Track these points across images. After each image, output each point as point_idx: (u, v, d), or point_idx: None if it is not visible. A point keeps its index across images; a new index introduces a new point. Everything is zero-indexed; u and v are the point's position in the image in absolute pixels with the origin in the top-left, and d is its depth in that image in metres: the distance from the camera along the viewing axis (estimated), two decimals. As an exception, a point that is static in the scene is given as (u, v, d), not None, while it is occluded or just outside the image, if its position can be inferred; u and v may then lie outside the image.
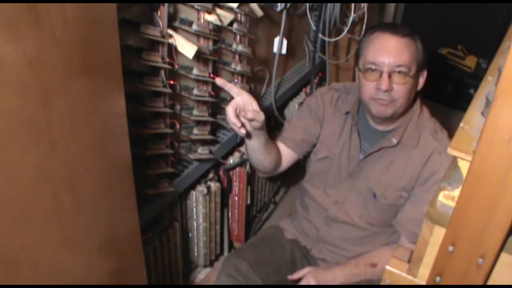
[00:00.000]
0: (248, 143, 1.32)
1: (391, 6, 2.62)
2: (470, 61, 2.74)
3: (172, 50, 1.16)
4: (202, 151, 1.40)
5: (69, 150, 0.73)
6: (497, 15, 2.58)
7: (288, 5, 1.55)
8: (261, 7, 1.44)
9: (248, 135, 1.26)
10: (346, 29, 1.85)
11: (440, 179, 0.99)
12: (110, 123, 0.82)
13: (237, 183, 1.64)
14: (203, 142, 1.42)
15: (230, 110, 1.18)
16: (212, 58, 1.31)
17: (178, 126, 1.28)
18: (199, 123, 1.37)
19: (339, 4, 1.86)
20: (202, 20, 1.23)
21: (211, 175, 1.54)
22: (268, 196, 1.99)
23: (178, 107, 1.27)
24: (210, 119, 1.39)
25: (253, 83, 1.63)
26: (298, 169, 1.57)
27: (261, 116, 1.20)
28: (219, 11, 1.27)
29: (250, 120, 1.20)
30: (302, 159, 1.48)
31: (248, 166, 1.65)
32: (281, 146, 1.43)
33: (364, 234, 1.37)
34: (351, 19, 1.82)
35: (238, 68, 1.43)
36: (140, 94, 1.16)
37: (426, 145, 1.26)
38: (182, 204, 1.51)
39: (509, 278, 0.69)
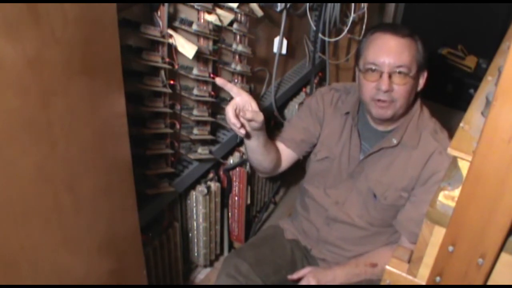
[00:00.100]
0: (247, 143, 1.32)
1: (391, 6, 2.62)
2: (470, 61, 2.74)
3: (172, 50, 1.16)
4: (202, 151, 1.40)
5: (69, 150, 0.73)
6: (497, 15, 2.58)
7: (288, 5, 1.55)
8: (261, 7, 1.44)
9: (248, 135, 1.26)
10: (346, 29, 1.85)
11: (440, 179, 0.99)
12: (110, 123, 0.82)
13: (237, 183, 1.64)
14: (203, 142, 1.42)
15: (229, 110, 1.18)
16: (212, 58, 1.31)
17: (178, 126, 1.28)
18: (199, 123, 1.37)
19: (339, 4, 1.86)
20: (202, 20, 1.23)
21: (211, 175, 1.54)
22: (268, 196, 1.99)
23: (178, 107, 1.27)
24: (210, 119, 1.39)
25: (253, 83, 1.63)
26: (298, 169, 1.57)
27: (260, 117, 1.20)
28: (219, 11, 1.27)
29: (249, 121, 1.20)
30: (302, 159, 1.48)
31: (248, 166, 1.65)
32: (281, 146, 1.43)
33: (364, 234, 1.37)
34: (351, 19, 1.82)
35: (238, 68, 1.43)
36: (140, 94, 1.16)
37: (426, 145, 1.26)
38: (182, 204, 1.51)
39: (509, 278, 0.69)
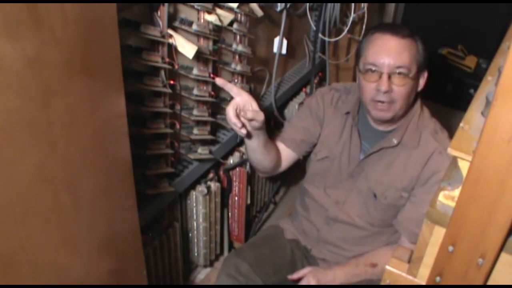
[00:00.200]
0: (247, 143, 1.32)
1: (391, 6, 2.62)
2: (470, 61, 2.74)
3: (172, 50, 1.16)
4: (202, 151, 1.40)
5: (69, 150, 0.73)
6: (497, 15, 2.58)
7: (288, 5, 1.55)
8: (261, 7, 1.44)
9: (248, 135, 1.26)
10: (346, 29, 1.85)
11: (440, 179, 1.00)
12: (110, 123, 0.82)
13: (237, 183, 1.64)
14: (203, 142, 1.42)
15: (230, 110, 1.18)
16: (212, 58, 1.31)
17: (178, 126, 1.28)
18: (199, 123, 1.37)
19: (339, 4, 1.86)
20: (202, 20, 1.23)
21: (211, 175, 1.54)
22: (268, 196, 1.99)
23: (178, 107, 1.27)
24: (210, 119, 1.39)
25: (253, 83, 1.63)
26: (298, 169, 1.57)
27: (261, 116, 1.20)
28: (219, 11, 1.27)
29: (250, 120, 1.20)
30: (302, 159, 1.48)
31: (248, 166, 1.65)
32: (281, 146, 1.43)
33: (365, 234, 1.37)
34: (351, 19, 1.82)
35: (238, 68, 1.43)
36: (140, 94, 1.16)
37: (426, 145, 1.26)
38: (182, 204, 1.51)
39: (509, 278, 0.69)
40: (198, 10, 1.21)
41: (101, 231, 0.88)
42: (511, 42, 0.83)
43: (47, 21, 0.63)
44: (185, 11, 1.21)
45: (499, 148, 0.56)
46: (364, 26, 1.90)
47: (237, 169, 1.61)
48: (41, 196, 0.72)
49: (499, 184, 0.58)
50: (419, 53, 1.23)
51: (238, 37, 1.41)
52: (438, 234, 0.69)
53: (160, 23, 1.11)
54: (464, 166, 0.64)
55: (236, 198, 1.68)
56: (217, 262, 1.78)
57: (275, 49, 1.66)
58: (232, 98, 1.21)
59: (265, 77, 1.75)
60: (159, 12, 1.11)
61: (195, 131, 1.36)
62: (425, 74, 1.28)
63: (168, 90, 1.19)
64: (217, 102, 1.43)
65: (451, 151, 0.64)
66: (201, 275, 1.77)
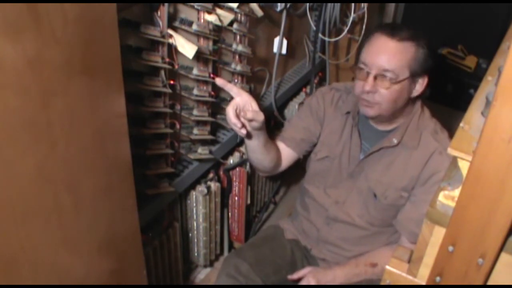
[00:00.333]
0: (248, 143, 1.32)
1: (391, 6, 2.61)
2: (470, 61, 2.74)
3: (172, 50, 1.16)
4: (202, 151, 1.40)
5: (69, 150, 0.73)
6: (497, 15, 2.58)
7: (288, 5, 1.55)
8: (261, 7, 1.44)
9: (248, 135, 1.26)
10: (346, 29, 1.85)
11: (440, 179, 1.00)
12: (110, 123, 0.82)
13: (237, 183, 1.64)
14: (203, 142, 1.42)
15: (230, 110, 1.18)
16: (212, 58, 1.31)
17: (178, 126, 1.28)
18: (199, 123, 1.37)
19: (339, 4, 1.86)
20: (202, 20, 1.23)
21: (211, 175, 1.54)
22: (268, 196, 1.99)
23: (178, 107, 1.27)
24: (210, 119, 1.39)
25: (253, 83, 1.63)
26: (298, 169, 1.57)
27: (261, 116, 1.20)
28: (219, 11, 1.27)
29: (250, 121, 1.20)
30: (302, 159, 1.48)
31: (248, 166, 1.65)
32: (281, 145, 1.43)
33: (365, 234, 1.37)
34: (351, 19, 1.82)
35: (238, 68, 1.43)
36: (140, 94, 1.16)
37: (426, 145, 1.26)
38: (182, 204, 1.51)
39: (509, 278, 0.69)
40: (198, 10, 1.21)
41: (101, 231, 0.88)
42: (511, 42, 0.83)
43: (47, 21, 0.63)
44: (185, 11, 1.21)
45: (499, 148, 0.56)
46: (364, 26, 1.90)
47: (237, 169, 1.61)
48: (41, 196, 0.72)
49: (499, 184, 0.58)
50: (416, 59, 1.20)
51: (238, 37, 1.41)
52: (438, 234, 0.69)
53: (160, 23, 1.11)
54: (464, 166, 0.64)
55: (236, 198, 1.68)
56: (217, 262, 1.78)
57: (275, 49, 1.66)
58: (232, 98, 1.21)
59: (265, 77, 1.75)
60: (159, 12, 1.11)
61: (195, 131, 1.36)
62: (424, 80, 1.24)
63: (168, 90, 1.19)
64: (217, 102, 1.43)
65: (451, 151, 0.64)
66: (201, 275, 1.76)
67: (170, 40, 1.15)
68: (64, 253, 0.80)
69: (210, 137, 1.42)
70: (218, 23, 1.26)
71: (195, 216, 1.54)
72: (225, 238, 1.76)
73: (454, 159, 0.67)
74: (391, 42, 1.19)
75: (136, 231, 1.00)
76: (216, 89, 1.36)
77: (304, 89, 2.00)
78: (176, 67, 1.20)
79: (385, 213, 1.33)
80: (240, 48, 1.41)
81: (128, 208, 0.94)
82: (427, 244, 0.72)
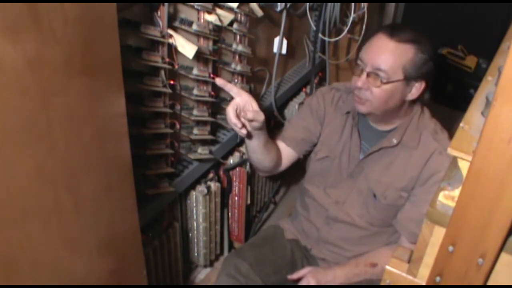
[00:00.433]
0: (248, 143, 1.32)
1: (391, 6, 2.61)
2: (470, 61, 2.74)
3: (172, 50, 1.16)
4: (202, 151, 1.40)
5: (69, 150, 0.73)
6: (497, 15, 2.58)
7: (288, 5, 1.55)
8: (261, 7, 1.44)
9: (249, 135, 1.26)
10: (346, 29, 1.85)
11: (440, 179, 1.00)
12: (110, 123, 0.82)
13: (237, 183, 1.64)
14: (203, 142, 1.42)
15: (230, 110, 1.18)
16: (212, 58, 1.31)
17: (178, 126, 1.28)
18: (199, 123, 1.37)
19: (339, 4, 1.86)
20: (202, 20, 1.23)
21: (211, 175, 1.54)
22: (268, 196, 1.99)
23: (178, 107, 1.27)
24: (210, 119, 1.39)
25: (253, 83, 1.63)
26: (298, 169, 1.57)
27: (261, 116, 1.20)
28: (219, 11, 1.27)
29: (250, 121, 1.20)
30: (302, 159, 1.48)
31: (248, 166, 1.65)
32: (282, 145, 1.43)
33: (364, 234, 1.37)
34: (351, 19, 1.81)
35: (238, 68, 1.43)
36: (140, 94, 1.16)
37: (426, 145, 1.26)
38: (182, 204, 1.51)
39: (509, 278, 0.69)
40: (198, 10, 1.21)
41: (101, 231, 0.88)
42: (511, 42, 0.83)
43: (47, 21, 0.63)
44: (185, 11, 1.21)
45: (499, 148, 0.56)
46: (364, 26, 1.90)
47: (237, 169, 1.61)
48: (41, 196, 0.72)
49: (499, 184, 0.58)
50: (413, 62, 1.18)
51: (238, 37, 1.41)
52: (438, 234, 0.69)
53: (160, 23, 1.11)
54: (464, 166, 0.64)
55: (236, 198, 1.68)
56: (217, 262, 1.78)
57: (275, 49, 1.66)
58: (232, 98, 1.21)
59: (265, 77, 1.75)
60: (159, 12, 1.11)
61: (195, 131, 1.36)
62: (420, 85, 1.22)
63: (168, 90, 1.19)
64: (217, 102, 1.43)
65: (451, 151, 0.64)
66: (201, 275, 1.77)
67: (170, 40, 1.15)
68: (64, 253, 0.80)
69: (210, 137, 1.42)
70: (218, 23, 1.26)
71: (195, 216, 1.54)
72: (225, 238, 1.76)
73: (454, 159, 0.67)
74: (390, 43, 1.19)
75: (136, 231, 1.00)
76: (216, 89, 1.36)
77: (304, 89, 2.00)
78: (176, 67, 1.20)
79: (385, 213, 1.33)
80: (240, 48, 1.41)
81: (128, 208, 0.94)
82: (427, 244, 0.72)
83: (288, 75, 1.93)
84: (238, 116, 1.19)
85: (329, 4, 1.83)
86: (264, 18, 1.56)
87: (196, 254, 1.65)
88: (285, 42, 1.65)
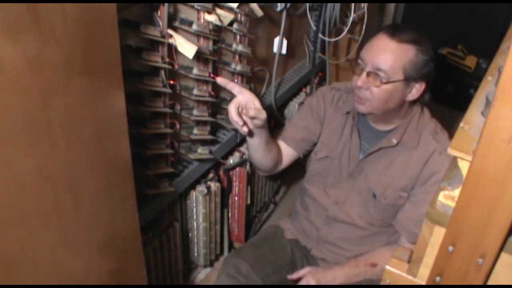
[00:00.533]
0: (249, 141, 1.32)
1: (391, 6, 2.61)
2: (470, 61, 2.74)
3: (172, 50, 1.16)
4: (202, 151, 1.40)
5: (69, 150, 0.73)
6: (497, 15, 2.58)
7: (288, 5, 1.55)
8: (261, 7, 1.44)
9: (250, 133, 1.26)
10: (346, 29, 1.85)
11: (440, 180, 1.00)
12: (110, 123, 0.82)
13: (237, 183, 1.64)
14: (203, 142, 1.42)
15: (232, 108, 1.18)
16: (212, 58, 1.31)
17: (178, 126, 1.28)
18: (199, 123, 1.37)
19: (339, 4, 1.86)
20: (202, 20, 1.23)
21: (211, 175, 1.54)
22: (268, 196, 1.99)
23: (178, 107, 1.27)
24: (210, 119, 1.39)
25: (253, 83, 1.63)
26: (298, 169, 1.57)
27: (263, 114, 1.20)
28: (219, 11, 1.27)
29: (252, 118, 1.19)
30: (302, 158, 1.48)
31: (248, 166, 1.65)
32: (282, 144, 1.43)
33: (364, 234, 1.37)
34: (351, 19, 1.82)
35: (238, 68, 1.43)
36: (140, 94, 1.16)
37: (426, 145, 1.26)
38: (182, 204, 1.51)
39: (509, 278, 0.69)
40: (198, 10, 1.21)
41: (101, 231, 0.88)
42: (511, 42, 0.83)
43: (47, 21, 0.63)
44: (185, 11, 1.21)
45: (499, 148, 0.56)
46: (364, 26, 1.90)
47: (237, 169, 1.61)
48: (41, 196, 0.72)
49: (499, 184, 0.58)
50: (413, 63, 1.18)
51: (238, 37, 1.41)
52: (438, 234, 0.69)
53: (160, 23, 1.11)
54: (464, 166, 0.64)
55: (236, 198, 1.68)
56: (217, 262, 1.78)
57: (275, 49, 1.66)
58: (232, 98, 1.21)
59: (265, 77, 1.75)
60: (159, 12, 1.11)
61: (195, 131, 1.36)
62: (420, 86, 1.22)
63: (168, 90, 1.19)
64: (217, 102, 1.43)
65: (451, 151, 0.64)
66: (201, 275, 1.77)
67: (170, 40, 1.15)
68: (64, 253, 0.80)
69: (210, 137, 1.42)
70: (218, 23, 1.26)
71: (195, 216, 1.54)
72: (225, 238, 1.76)
73: (454, 159, 0.67)
74: (391, 43, 1.19)
75: (136, 231, 1.00)
76: (216, 89, 1.36)
77: (304, 89, 2.00)
78: (176, 67, 1.20)
79: (385, 213, 1.33)
80: (240, 48, 1.41)
81: (128, 208, 0.94)
82: (427, 244, 0.72)
83: (288, 75, 1.93)
84: (239, 114, 1.19)
85: (329, 4, 1.83)
86: (264, 18, 1.56)
87: (196, 254, 1.65)
88: (285, 42, 1.65)
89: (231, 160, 1.60)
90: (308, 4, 1.73)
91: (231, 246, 1.82)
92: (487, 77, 0.76)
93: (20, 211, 0.69)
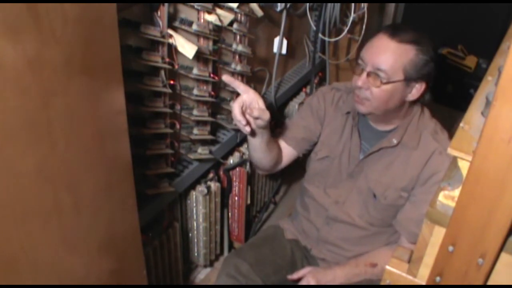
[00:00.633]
0: (250, 141, 1.31)
1: (391, 6, 2.61)
2: (470, 61, 2.74)
3: (172, 50, 1.16)
4: (202, 151, 1.40)
5: (69, 150, 0.73)
6: (497, 15, 2.58)
7: (288, 5, 1.55)
8: (261, 7, 1.44)
9: (252, 133, 1.25)
10: (346, 29, 1.85)
11: (440, 180, 1.00)
12: (110, 123, 0.82)
13: (237, 183, 1.64)
14: (203, 142, 1.42)
15: (236, 107, 1.17)
16: (212, 58, 1.31)
17: (178, 126, 1.28)
18: (199, 123, 1.37)
19: (339, 4, 1.86)
20: (202, 20, 1.23)
21: (211, 175, 1.54)
22: (268, 196, 1.99)
23: (178, 107, 1.27)
24: (210, 119, 1.39)
25: (253, 83, 1.63)
26: (298, 169, 1.57)
27: (267, 115, 1.20)
28: (219, 11, 1.27)
29: (255, 119, 1.19)
30: (302, 158, 1.48)
31: (248, 166, 1.65)
32: (282, 143, 1.43)
33: (364, 234, 1.37)
34: (351, 19, 1.82)
35: (238, 68, 1.43)
36: (140, 94, 1.16)
37: (426, 145, 1.26)
38: (182, 204, 1.51)
39: (509, 278, 0.69)
40: (198, 10, 1.21)
41: (101, 231, 0.88)
42: (511, 42, 0.83)
43: (47, 21, 0.63)
44: (185, 11, 1.21)
45: (499, 148, 0.56)
46: (364, 26, 1.90)
47: (237, 169, 1.61)
48: (41, 196, 0.72)
49: (499, 184, 0.58)
50: (413, 63, 1.18)
51: (238, 37, 1.41)
52: (438, 234, 0.69)
53: (160, 23, 1.11)
54: (464, 166, 0.64)
55: (236, 198, 1.68)
56: (217, 262, 1.78)
57: (275, 49, 1.66)
58: (232, 98, 1.21)
59: (265, 77, 1.75)
60: (159, 12, 1.11)
61: (195, 131, 1.36)
62: (421, 86, 1.22)
63: (168, 90, 1.19)
64: (217, 102, 1.43)
65: (451, 151, 0.64)
66: (201, 275, 1.77)
67: (170, 40, 1.15)
68: (64, 253, 0.80)
69: (210, 137, 1.42)
70: (218, 23, 1.26)
71: (195, 216, 1.54)
72: (225, 238, 1.76)
73: (454, 159, 0.67)
74: (391, 43, 1.19)
75: (136, 231, 1.00)
76: (216, 89, 1.36)
77: (304, 89, 2.00)
78: (176, 67, 1.20)
79: (385, 213, 1.33)
80: (240, 48, 1.41)
81: (128, 208, 0.94)
82: (427, 244, 0.72)
83: (288, 75, 1.93)
84: (243, 113, 1.18)
85: (329, 4, 1.83)
86: (264, 18, 1.56)
87: (196, 254, 1.65)
88: (285, 42, 1.65)
89: (231, 160, 1.60)
90: (308, 4, 1.73)
91: (231, 246, 1.82)
92: (487, 77, 0.76)
93: (20, 211, 0.69)
